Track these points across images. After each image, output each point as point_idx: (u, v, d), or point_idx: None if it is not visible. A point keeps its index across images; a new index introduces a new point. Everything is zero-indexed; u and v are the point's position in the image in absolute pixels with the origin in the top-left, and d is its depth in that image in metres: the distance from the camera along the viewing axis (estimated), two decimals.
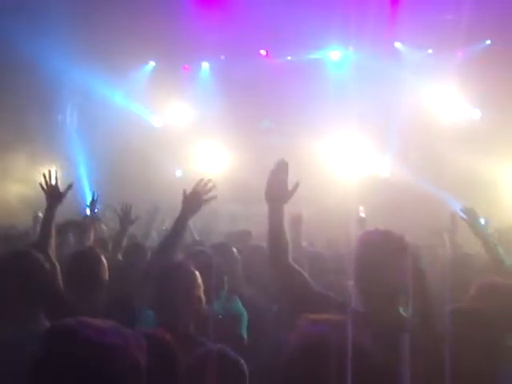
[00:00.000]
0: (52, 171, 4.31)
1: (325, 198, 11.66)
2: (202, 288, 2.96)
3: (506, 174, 11.48)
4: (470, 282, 3.91)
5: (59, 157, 13.06)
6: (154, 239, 6.93)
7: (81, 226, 5.72)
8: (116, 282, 3.83)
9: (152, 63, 14.76)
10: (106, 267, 3.74)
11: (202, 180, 3.80)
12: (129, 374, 1.51)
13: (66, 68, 12.38)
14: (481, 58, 11.68)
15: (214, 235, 8.07)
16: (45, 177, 4.31)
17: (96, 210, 5.86)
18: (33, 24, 10.72)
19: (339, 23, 11.20)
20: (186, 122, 14.78)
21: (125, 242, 5.58)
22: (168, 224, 7.15)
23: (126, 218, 5.46)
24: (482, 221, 4.77)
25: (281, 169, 2.97)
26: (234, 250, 4.80)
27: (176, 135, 14.17)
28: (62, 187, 4.31)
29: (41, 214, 6.53)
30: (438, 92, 12.95)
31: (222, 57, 14.43)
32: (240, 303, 4.07)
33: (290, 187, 2.97)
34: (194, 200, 3.72)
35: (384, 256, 2.60)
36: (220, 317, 3.73)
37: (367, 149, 12.93)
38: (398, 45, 13.22)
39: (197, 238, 7.24)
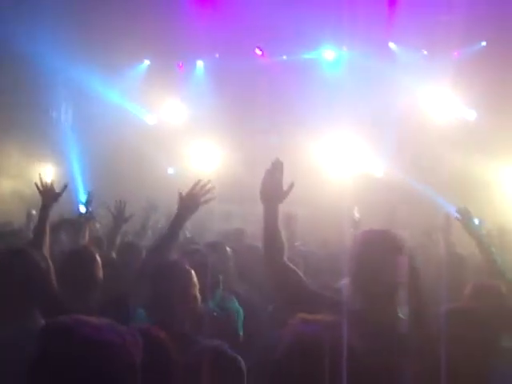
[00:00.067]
0: (47, 170, 4.32)
1: (319, 197, 11.68)
2: (197, 287, 2.96)
3: (500, 175, 11.53)
4: (464, 282, 3.94)
5: (53, 154, 13.04)
6: (149, 238, 6.91)
7: (75, 224, 5.71)
8: (111, 281, 3.82)
9: (147, 61, 14.77)
10: (101, 266, 3.73)
11: (200, 181, 3.73)
12: (126, 372, 1.51)
13: (61, 66, 12.37)
14: (476, 60, 11.70)
15: (208, 234, 8.07)
16: (40, 177, 4.32)
17: (91, 209, 5.85)
18: (28, 22, 10.71)
19: (334, 23, 11.22)
20: (181, 119, 14.78)
21: (118, 240, 5.56)
22: (163, 223, 7.16)
23: (119, 215, 5.43)
24: (476, 221, 4.78)
25: (276, 168, 2.98)
26: (228, 249, 4.80)
27: (170, 133, 14.16)
28: (56, 186, 4.32)
29: (34, 212, 6.54)
30: (432, 93, 12.97)
31: (217, 55, 14.43)
32: (236, 302, 4.07)
33: (284, 187, 2.98)
34: (192, 201, 3.69)
35: (382, 255, 2.61)
36: (215, 314, 3.73)
37: (361, 148, 12.95)
38: (392, 45, 13.24)
39: (188, 235, 7.23)
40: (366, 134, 12.55)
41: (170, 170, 14.71)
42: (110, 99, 14.19)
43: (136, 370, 1.53)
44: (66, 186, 4.43)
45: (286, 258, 2.95)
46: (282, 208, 3.00)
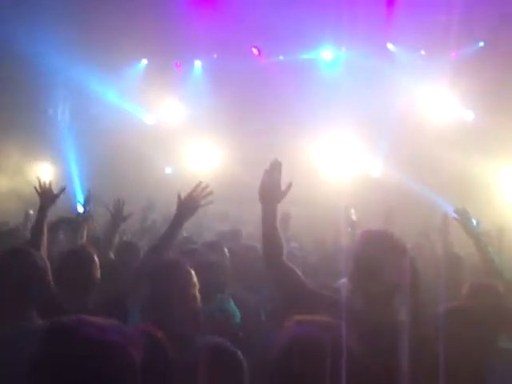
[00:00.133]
0: (46, 169, 4.34)
1: (317, 197, 11.67)
2: (197, 287, 2.96)
3: (498, 175, 11.54)
4: (461, 282, 3.94)
5: (52, 153, 13.04)
6: (147, 237, 6.90)
7: (72, 223, 5.70)
8: (108, 281, 3.81)
9: (145, 61, 14.75)
10: (99, 266, 3.73)
11: (199, 184, 3.73)
12: (128, 373, 1.50)
13: (59, 65, 12.35)
14: (474, 60, 11.72)
15: (205, 233, 8.06)
16: (38, 178, 4.33)
17: (88, 208, 5.85)
18: (28, 22, 10.71)
19: (332, 23, 11.23)
20: (179, 119, 14.77)
21: (117, 239, 5.55)
22: (161, 223, 7.15)
23: (118, 214, 5.41)
24: (474, 221, 4.78)
25: (274, 168, 2.98)
26: (225, 249, 4.80)
27: (168, 133, 14.16)
28: (54, 187, 4.33)
29: (32, 212, 6.53)
30: (430, 93, 12.98)
31: (215, 55, 14.42)
32: (232, 303, 4.07)
33: (282, 187, 2.98)
34: (191, 203, 3.69)
35: (384, 255, 2.61)
36: (214, 315, 3.73)
37: (359, 149, 12.96)
38: (390, 46, 13.25)
39: (184, 234, 7.22)
40: (363, 134, 12.56)
41: (168, 170, 14.72)
42: (109, 99, 14.19)
43: (136, 370, 1.53)
44: (63, 188, 4.45)
45: (284, 258, 2.96)
46: (279, 208, 3.01)
